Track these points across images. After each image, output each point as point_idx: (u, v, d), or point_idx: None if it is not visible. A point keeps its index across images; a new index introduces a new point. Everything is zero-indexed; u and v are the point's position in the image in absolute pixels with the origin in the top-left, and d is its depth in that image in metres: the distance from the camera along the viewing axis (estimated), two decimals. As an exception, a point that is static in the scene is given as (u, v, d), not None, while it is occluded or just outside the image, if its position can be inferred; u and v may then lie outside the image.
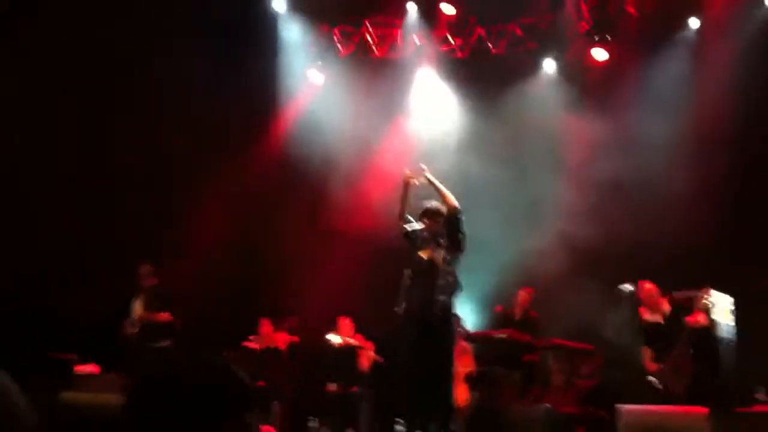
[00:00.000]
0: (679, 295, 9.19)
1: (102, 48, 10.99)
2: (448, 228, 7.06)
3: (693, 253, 10.25)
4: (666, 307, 9.03)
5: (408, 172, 7.23)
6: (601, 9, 11.86)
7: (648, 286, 9.13)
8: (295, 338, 10.06)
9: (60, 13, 10.61)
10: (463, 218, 7.08)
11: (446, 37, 12.72)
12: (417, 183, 7.23)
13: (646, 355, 9.07)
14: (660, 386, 8.81)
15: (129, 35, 11.00)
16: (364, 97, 12.55)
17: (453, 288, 6.95)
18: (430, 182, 7.20)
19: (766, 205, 10.11)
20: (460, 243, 7.05)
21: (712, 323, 8.82)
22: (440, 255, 7.01)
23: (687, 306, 8.89)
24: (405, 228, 7.29)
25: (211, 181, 11.82)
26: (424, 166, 7.24)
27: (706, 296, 8.79)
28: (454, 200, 7.04)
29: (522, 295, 10.60)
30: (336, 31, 13.03)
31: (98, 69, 11.22)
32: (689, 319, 8.68)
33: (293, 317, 10.45)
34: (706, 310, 8.74)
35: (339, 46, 13.05)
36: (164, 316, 9.46)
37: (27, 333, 10.12)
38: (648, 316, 9.14)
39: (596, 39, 11.77)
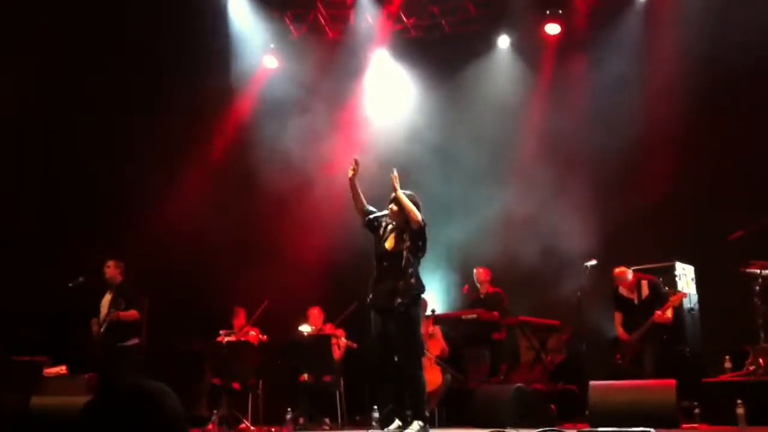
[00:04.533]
0: (641, 274, 9.38)
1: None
2: (410, 235, 7.09)
3: (658, 225, 10.41)
4: (645, 291, 9.21)
5: (350, 169, 7.20)
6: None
7: (629, 276, 9.28)
8: (264, 338, 10.04)
9: None
10: (426, 229, 7.13)
11: (399, 16, 12.64)
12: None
13: (618, 320, 9.28)
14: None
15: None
16: (319, 79, 12.44)
17: (415, 289, 7.01)
18: (398, 198, 7.12)
19: (722, 173, 10.25)
20: (421, 249, 7.13)
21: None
22: (403, 246, 7.05)
23: (661, 296, 9.11)
24: (367, 215, 7.31)
25: (169, 170, 11.68)
26: (395, 172, 7.19)
27: (681, 297, 9.12)
28: (418, 215, 7.02)
29: (478, 272, 10.69)
30: (288, 13, 12.87)
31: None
32: (658, 316, 8.87)
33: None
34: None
35: (291, 28, 12.91)
36: (130, 313, 9.35)
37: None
38: (624, 292, 9.30)
39: (548, 13, 11.81)
